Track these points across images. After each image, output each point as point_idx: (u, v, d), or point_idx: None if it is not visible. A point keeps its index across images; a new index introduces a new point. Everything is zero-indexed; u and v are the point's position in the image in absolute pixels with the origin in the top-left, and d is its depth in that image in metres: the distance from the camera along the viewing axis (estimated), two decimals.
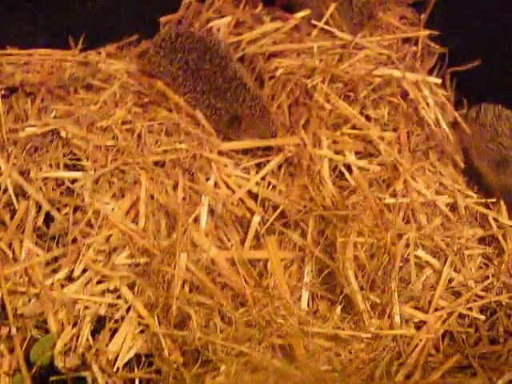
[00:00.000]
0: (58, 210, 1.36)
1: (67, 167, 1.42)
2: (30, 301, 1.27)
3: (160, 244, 1.32)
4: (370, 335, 1.26)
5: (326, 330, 1.26)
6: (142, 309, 1.27)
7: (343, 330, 1.27)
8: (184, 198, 1.40)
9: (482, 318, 1.36)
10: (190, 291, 1.29)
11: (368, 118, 1.53)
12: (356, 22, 1.66)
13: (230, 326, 1.22)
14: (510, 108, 1.56)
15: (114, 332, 1.27)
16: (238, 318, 1.22)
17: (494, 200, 1.50)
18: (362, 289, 1.28)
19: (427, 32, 1.73)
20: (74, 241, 1.32)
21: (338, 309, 1.29)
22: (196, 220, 1.37)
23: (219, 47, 1.48)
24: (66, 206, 1.37)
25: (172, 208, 1.36)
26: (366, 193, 1.39)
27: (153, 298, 1.27)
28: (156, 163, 1.43)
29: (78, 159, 1.42)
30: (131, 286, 1.30)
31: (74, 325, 1.27)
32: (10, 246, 1.33)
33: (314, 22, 1.64)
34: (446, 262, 1.39)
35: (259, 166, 1.47)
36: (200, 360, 1.20)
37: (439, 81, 1.64)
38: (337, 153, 1.47)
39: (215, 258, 1.31)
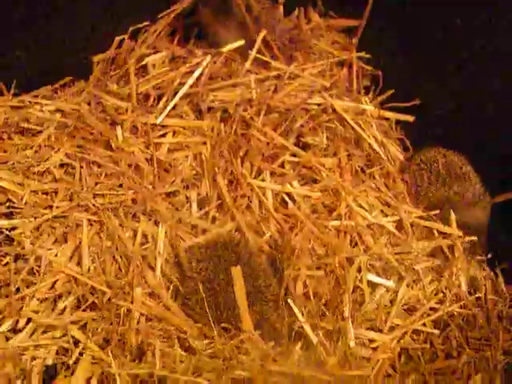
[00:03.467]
0: None
1: (5, 215, 1.38)
2: None
3: (110, 282, 1.30)
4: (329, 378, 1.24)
5: (286, 369, 1.23)
6: (97, 348, 1.24)
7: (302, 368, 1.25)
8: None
9: (436, 332, 1.37)
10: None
11: (307, 145, 1.55)
12: (289, 52, 1.68)
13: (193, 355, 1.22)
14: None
15: None
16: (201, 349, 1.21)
17: (437, 212, 1.52)
18: None
19: (358, 54, 1.77)
20: (18, 290, 1.29)
21: (298, 346, 1.28)
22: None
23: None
24: (6, 255, 1.33)
25: (120, 249, 1.35)
26: (310, 221, 1.40)
27: (107, 335, 1.26)
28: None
29: (15, 207, 1.38)
30: (81, 329, 1.27)
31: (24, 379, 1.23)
32: None
33: (249, 51, 1.65)
34: (398, 279, 1.40)
35: None
36: None
37: (372, 107, 1.66)
38: (277, 183, 1.48)
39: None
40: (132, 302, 1.28)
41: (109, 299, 1.29)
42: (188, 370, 1.19)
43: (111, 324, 1.27)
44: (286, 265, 1.33)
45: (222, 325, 1.24)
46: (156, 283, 1.32)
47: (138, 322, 1.28)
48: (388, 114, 1.72)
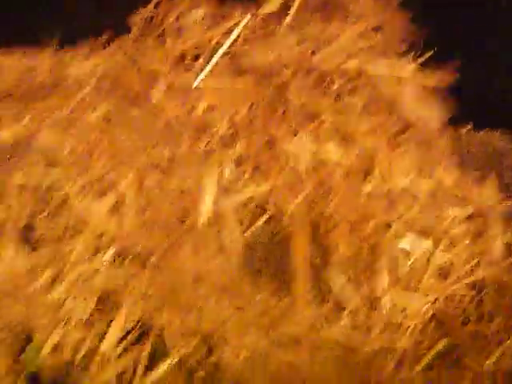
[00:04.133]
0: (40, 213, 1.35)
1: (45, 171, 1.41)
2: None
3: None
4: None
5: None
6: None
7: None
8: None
9: (471, 293, 1.37)
10: None
11: (343, 107, 1.54)
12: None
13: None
14: None
15: None
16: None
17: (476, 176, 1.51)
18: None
19: (398, 15, 1.74)
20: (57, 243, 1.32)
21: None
22: None
23: None
24: (44, 209, 1.36)
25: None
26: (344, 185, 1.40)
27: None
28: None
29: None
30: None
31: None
32: None
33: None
34: (433, 243, 1.40)
35: None
36: None
37: (410, 71, 1.63)
38: (313, 145, 1.48)
39: None
40: None
41: None
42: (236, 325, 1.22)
43: None
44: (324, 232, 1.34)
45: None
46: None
47: None
48: (425, 81, 1.69)
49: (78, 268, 1.31)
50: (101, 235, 1.34)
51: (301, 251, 1.33)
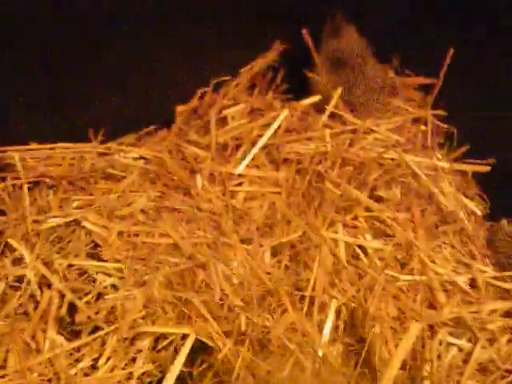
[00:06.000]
0: (80, 299, 1.38)
1: (89, 256, 1.45)
2: None
3: None
4: None
5: None
6: None
7: None
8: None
9: None
10: None
11: (380, 199, 1.57)
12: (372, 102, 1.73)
13: None
14: None
15: None
16: None
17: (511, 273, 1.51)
18: None
19: (433, 112, 1.80)
20: (98, 328, 1.34)
21: None
22: None
23: None
24: (87, 294, 1.40)
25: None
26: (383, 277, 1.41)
27: None
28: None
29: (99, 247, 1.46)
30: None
31: None
32: (33, 337, 1.34)
33: (325, 106, 1.71)
34: (470, 339, 1.39)
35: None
36: None
37: (446, 164, 1.67)
38: (350, 235, 1.50)
39: None
40: None
41: None
42: None
43: None
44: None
45: None
46: None
47: None
48: (461, 167, 1.72)
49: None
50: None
51: None
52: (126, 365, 1.33)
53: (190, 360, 1.32)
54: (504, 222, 1.59)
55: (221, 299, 1.37)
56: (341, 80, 1.74)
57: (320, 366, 1.30)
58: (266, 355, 1.31)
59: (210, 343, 1.31)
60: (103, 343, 1.33)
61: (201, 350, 1.33)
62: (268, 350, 1.31)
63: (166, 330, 1.33)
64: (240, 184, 1.62)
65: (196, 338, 1.32)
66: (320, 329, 1.37)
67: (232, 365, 1.28)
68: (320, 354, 1.32)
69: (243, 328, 1.32)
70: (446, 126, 1.79)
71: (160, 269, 1.39)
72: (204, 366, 1.31)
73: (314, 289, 1.41)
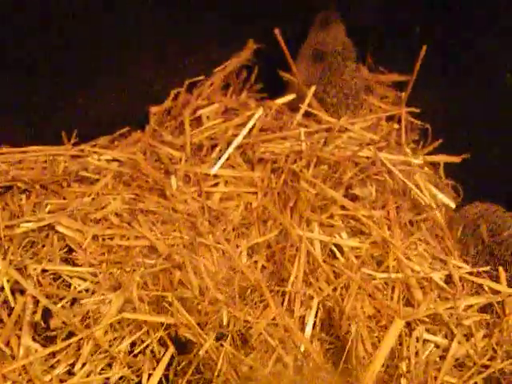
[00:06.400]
0: (55, 304, 1.36)
1: (64, 260, 1.43)
2: None
3: None
4: None
5: None
6: None
7: None
8: None
9: None
10: None
11: (356, 197, 1.57)
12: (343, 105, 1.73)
13: None
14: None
15: None
16: None
17: (487, 268, 1.52)
18: None
19: (407, 109, 1.80)
20: (73, 334, 1.32)
21: None
22: None
23: None
24: (62, 299, 1.38)
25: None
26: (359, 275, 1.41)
27: None
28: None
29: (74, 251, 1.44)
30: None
31: None
32: (7, 343, 1.32)
33: (300, 105, 1.71)
34: (447, 335, 1.39)
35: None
36: None
37: (420, 160, 1.68)
38: (326, 234, 1.50)
39: None
40: None
41: None
42: None
43: None
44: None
45: None
46: None
47: None
48: (433, 158, 1.73)
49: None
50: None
51: None
52: (102, 370, 1.32)
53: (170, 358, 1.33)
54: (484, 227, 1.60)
55: (201, 294, 1.36)
56: (317, 75, 1.73)
57: (302, 363, 1.29)
58: (248, 351, 1.30)
59: (192, 338, 1.31)
60: (79, 348, 1.32)
61: (180, 347, 1.33)
62: (250, 345, 1.31)
63: (147, 318, 1.33)
64: (216, 184, 1.62)
65: (175, 337, 1.32)
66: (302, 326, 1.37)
67: (214, 361, 1.27)
68: (302, 349, 1.32)
69: (225, 322, 1.31)
70: (420, 122, 1.80)
71: (136, 271, 1.38)
72: (184, 362, 1.31)
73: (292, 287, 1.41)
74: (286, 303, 1.40)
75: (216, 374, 1.26)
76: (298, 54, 1.78)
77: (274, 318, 1.35)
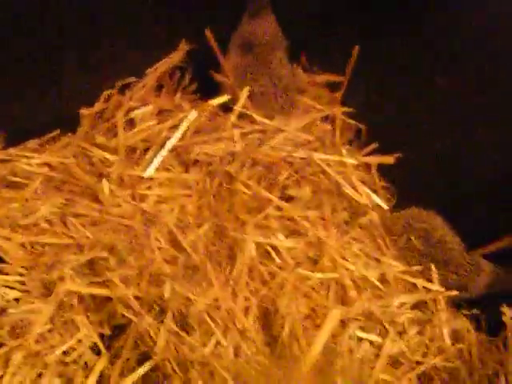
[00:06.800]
0: None
1: None
2: None
3: None
4: None
5: None
6: None
7: None
8: None
9: None
10: None
11: (291, 198, 1.57)
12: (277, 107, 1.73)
13: None
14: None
15: None
16: None
17: (419, 268, 1.54)
18: None
19: (342, 109, 1.82)
20: (1, 345, 1.28)
21: None
22: None
23: None
24: None
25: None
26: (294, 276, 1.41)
27: None
28: None
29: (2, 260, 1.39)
30: None
31: None
32: None
33: (234, 107, 1.69)
34: (381, 332, 1.41)
35: None
36: None
37: (354, 161, 1.69)
38: (262, 235, 1.49)
39: None
40: None
41: None
42: None
43: None
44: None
45: None
46: None
47: None
48: (366, 159, 1.75)
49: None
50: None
51: None
52: (33, 381, 1.28)
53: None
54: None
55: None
56: (246, 65, 1.72)
57: (242, 346, 1.29)
58: (190, 332, 1.28)
59: (130, 316, 1.28)
60: (7, 360, 1.27)
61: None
62: (191, 326, 1.29)
63: (88, 290, 1.32)
64: (150, 187, 1.59)
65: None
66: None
67: (152, 338, 1.26)
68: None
69: (166, 295, 1.28)
70: (354, 122, 1.82)
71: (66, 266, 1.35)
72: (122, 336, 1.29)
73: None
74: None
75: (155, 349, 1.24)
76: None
77: (216, 299, 1.34)
